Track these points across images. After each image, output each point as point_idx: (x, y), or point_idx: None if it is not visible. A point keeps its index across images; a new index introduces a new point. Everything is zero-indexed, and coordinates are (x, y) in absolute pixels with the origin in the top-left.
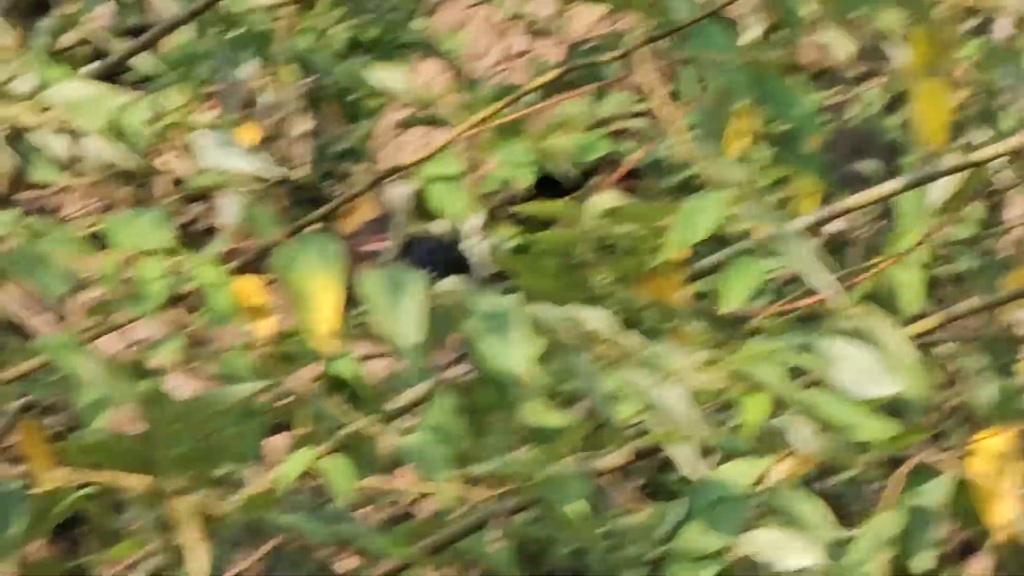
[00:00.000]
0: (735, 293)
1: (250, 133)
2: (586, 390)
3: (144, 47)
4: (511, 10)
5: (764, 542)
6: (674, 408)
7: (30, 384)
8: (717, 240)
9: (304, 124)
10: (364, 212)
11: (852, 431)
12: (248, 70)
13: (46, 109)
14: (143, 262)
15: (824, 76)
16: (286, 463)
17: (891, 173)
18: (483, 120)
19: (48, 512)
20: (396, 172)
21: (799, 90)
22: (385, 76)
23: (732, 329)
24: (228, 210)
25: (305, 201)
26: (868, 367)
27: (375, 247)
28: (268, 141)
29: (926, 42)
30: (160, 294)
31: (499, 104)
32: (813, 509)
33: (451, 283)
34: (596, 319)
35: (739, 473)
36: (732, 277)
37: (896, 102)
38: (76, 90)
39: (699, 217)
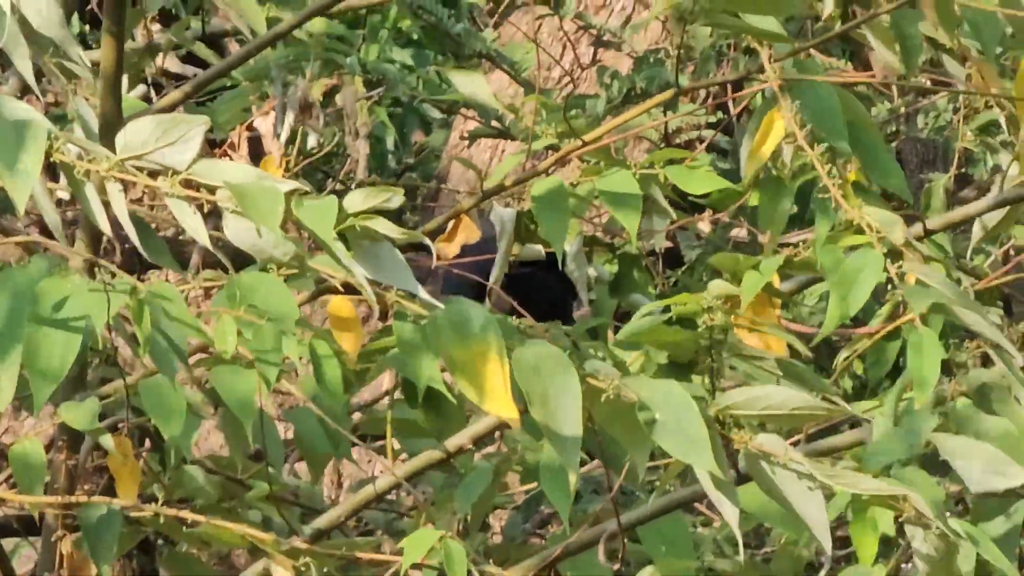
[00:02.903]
0: (929, 375)
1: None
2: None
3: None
4: (579, 22)
5: None
6: (811, 515)
7: (119, 403)
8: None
9: (366, 135)
10: (465, 234)
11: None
12: (306, 83)
13: (197, 187)
14: (262, 329)
15: (891, 87)
16: (407, 544)
17: (960, 184)
18: (581, 144)
19: (134, 532)
20: (500, 191)
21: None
22: (465, 81)
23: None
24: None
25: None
26: (990, 460)
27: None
28: (328, 154)
29: None
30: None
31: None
32: None
33: (607, 369)
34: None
35: None
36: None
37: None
38: (233, 173)
39: (858, 286)
